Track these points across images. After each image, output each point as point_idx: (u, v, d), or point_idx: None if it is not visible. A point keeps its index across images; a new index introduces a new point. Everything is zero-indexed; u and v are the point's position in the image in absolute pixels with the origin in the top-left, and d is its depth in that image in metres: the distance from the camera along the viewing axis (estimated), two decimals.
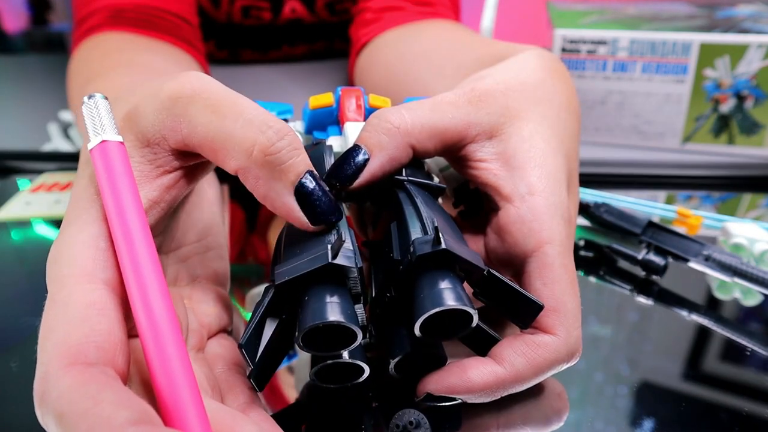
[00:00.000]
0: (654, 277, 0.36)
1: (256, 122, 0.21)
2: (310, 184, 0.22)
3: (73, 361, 0.17)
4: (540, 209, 0.25)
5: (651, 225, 0.37)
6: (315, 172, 0.22)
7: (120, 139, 0.22)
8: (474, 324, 0.22)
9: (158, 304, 0.19)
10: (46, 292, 0.20)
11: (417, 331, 0.22)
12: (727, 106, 0.51)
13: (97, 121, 0.22)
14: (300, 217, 0.22)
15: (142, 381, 0.20)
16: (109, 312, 0.19)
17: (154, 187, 0.23)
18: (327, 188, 0.22)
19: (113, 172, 0.21)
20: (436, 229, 0.22)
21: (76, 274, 0.20)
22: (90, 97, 0.23)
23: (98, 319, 0.19)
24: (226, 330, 0.27)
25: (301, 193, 0.22)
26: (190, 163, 0.24)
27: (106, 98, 0.23)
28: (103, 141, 0.22)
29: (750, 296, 0.35)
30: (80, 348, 0.18)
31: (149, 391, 0.20)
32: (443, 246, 0.22)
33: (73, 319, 0.18)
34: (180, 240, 0.27)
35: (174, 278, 0.26)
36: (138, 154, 0.23)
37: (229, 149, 0.21)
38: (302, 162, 0.22)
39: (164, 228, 0.26)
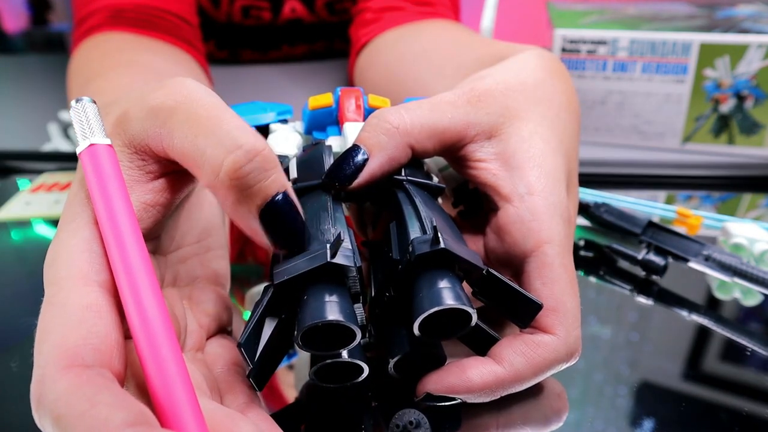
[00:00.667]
0: (654, 277, 0.36)
1: (227, 141, 0.20)
2: (277, 208, 0.21)
3: (69, 364, 0.17)
4: (539, 209, 0.25)
5: (651, 225, 0.37)
6: (288, 193, 0.21)
7: (108, 142, 0.22)
8: (473, 323, 0.22)
9: (150, 305, 0.19)
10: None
11: (416, 331, 0.22)
12: (727, 106, 0.51)
13: (85, 125, 0.22)
14: (263, 242, 0.22)
15: (138, 383, 0.20)
16: (105, 314, 0.19)
17: (146, 191, 0.23)
18: (299, 210, 0.22)
19: (102, 175, 0.21)
20: (434, 229, 0.22)
21: (72, 276, 0.20)
22: (78, 101, 0.23)
23: (95, 321, 0.19)
24: (226, 330, 0.27)
25: (266, 218, 0.21)
26: (179, 169, 0.23)
27: (94, 102, 0.23)
28: (92, 144, 0.22)
29: (750, 296, 0.35)
30: (77, 350, 0.18)
31: (146, 393, 0.20)
32: (442, 245, 0.22)
33: (70, 322, 0.18)
34: (180, 241, 0.27)
35: (173, 279, 0.26)
36: (127, 159, 0.22)
37: (199, 166, 0.21)
38: (272, 184, 0.21)
39: (163, 229, 0.26)
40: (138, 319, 0.19)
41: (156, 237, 0.25)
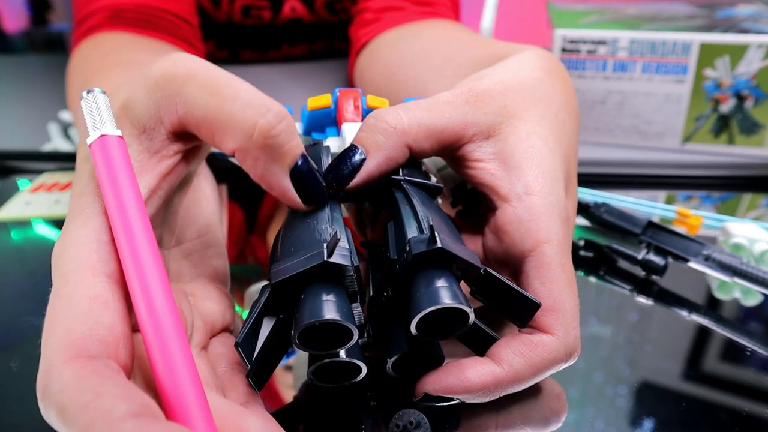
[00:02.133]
0: (654, 277, 0.36)
1: (255, 104, 0.21)
2: (304, 167, 0.23)
3: (75, 355, 0.17)
4: (537, 209, 0.25)
5: (651, 225, 0.37)
6: (306, 154, 0.23)
7: (119, 133, 0.22)
8: (470, 323, 0.22)
9: (159, 297, 0.19)
10: (49, 290, 0.20)
11: (413, 330, 0.22)
12: (727, 106, 0.51)
13: (96, 116, 0.22)
14: (294, 198, 0.23)
15: (146, 375, 0.20)
16: (112, 305, 0.19)
17: (152, 176, 0.23)
18: (317, 169, 0.23)
19: (113, 167, 0.21)
20: (431, 228, 0.22)
21: (79, 268, 0.20)
22: (89, 91, 0.23)
23: (101, 312, 0.19)
24: (229, 329, 0.27)
25: (295, 175, 0.22)
26: (187, 146, 0.24)
27: (105, 93, 0.23)
28: (102, 135, 0.22)
29: (750, 296, 0.35)
30: (83, 341, 0.18)
31: (153, 385, 0.20)
32: (439, 245, 0.21)
33: (77, 313, 0.18)
34: (180, 236, 0.27)
35: (177, 274, 0.26)
36: (135, 143, 0.23)
37: (228, 131, 0.21)
38: (298, 145, 0.22)
39: (164, 221, 0.26)
40: (146, 311, 0.19)
41: (157, 226, 0.25)
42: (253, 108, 0.21)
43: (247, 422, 0.19)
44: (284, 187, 0.23)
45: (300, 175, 0.23)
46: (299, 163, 0.22)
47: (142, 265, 0.19)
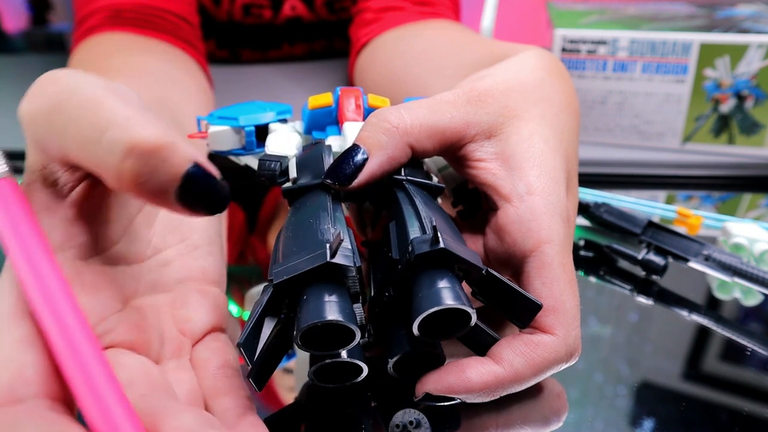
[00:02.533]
0: (654, 277, 0.36)
1: (118, 147, 0.19)
2: (191, 182, 0.19)
3: (0, 403, 0.18)
4: (538, 209, 0.25)
5: (651, 225, 0.37)
6: (198, 162, 0.20)
7: (3, 170, 0.22)
8: (472, 323, 0.22)
9: (69, 325, 0.19)
10: None
11: (415, 331, 0.22)
12: (727, 106, 0.51)
13: None
14: (189, 214, 0.20)
15: None
16: (38, 342, 0.19)
17: (67, 207, 0.22)
18: (211, 175, 0.20)
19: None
20: (434, 229, 0.22)
21: (3, 313, 0.20)
22: None
23: (26, 353, 0.19)
24: (220, 329, 0.26)
25: (185, 196, 0.20)
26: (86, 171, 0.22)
27: None
28: None
29: (750, 296, 0.35)
30: (9, 387, 0.18)
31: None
32: (441, 245, 0.21)
33: (3, 360, 0.19)
34: (159, 244, 0.26)
35: (152, 286, 0.25)
36: (37, 180, 0.22)
37: (101, 174, 0.20)
38: (178, 165, 0.19)
39: (128, 236, 0.25)
40: (57, 341, 0.19)
41: (114, 244, 0.24)
42: (115, 153, 0.19)
43: (176, 415, 0.19)
44: (175, 209, 0.20)
45: (189, 191, 0.20)
46: (185, 179, 0.19)
47: (48, 297, 0.19)
